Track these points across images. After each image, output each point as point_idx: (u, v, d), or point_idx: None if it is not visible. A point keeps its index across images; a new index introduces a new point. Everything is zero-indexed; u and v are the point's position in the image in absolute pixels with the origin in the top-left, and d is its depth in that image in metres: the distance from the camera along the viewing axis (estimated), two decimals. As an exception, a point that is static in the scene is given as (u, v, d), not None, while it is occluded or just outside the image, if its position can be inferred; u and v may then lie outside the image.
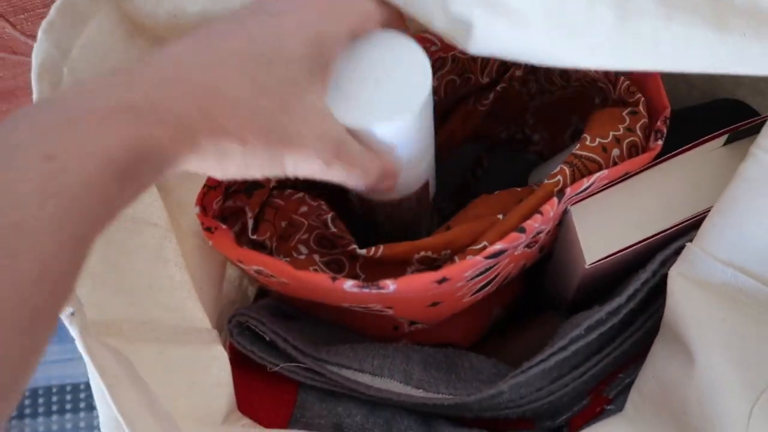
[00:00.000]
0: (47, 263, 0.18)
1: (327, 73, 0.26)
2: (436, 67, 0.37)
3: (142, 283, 0.29)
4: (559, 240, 0.35)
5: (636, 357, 0.33)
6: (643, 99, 0.32)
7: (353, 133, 0.27)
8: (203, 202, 0.30)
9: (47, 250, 0.18)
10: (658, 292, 0.31)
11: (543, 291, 0.43)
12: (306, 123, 0.24)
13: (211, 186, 0.31)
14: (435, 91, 0.38)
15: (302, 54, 0.24)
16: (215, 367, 0.30)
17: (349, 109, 0.27)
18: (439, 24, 0.26)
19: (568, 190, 0.29)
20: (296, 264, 0.29)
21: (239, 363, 0.34)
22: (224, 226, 0.30)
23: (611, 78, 0.33)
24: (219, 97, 0.22)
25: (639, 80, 0.33)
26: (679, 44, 0.24)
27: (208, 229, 0.29)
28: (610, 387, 0.34)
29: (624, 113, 0.32)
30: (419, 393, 0.33)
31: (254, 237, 0.31)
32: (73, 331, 0.24)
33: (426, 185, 0.35)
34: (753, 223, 0.26)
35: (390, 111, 0.27)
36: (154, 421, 0.24)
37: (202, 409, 0.28)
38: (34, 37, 0.43)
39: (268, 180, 0.33)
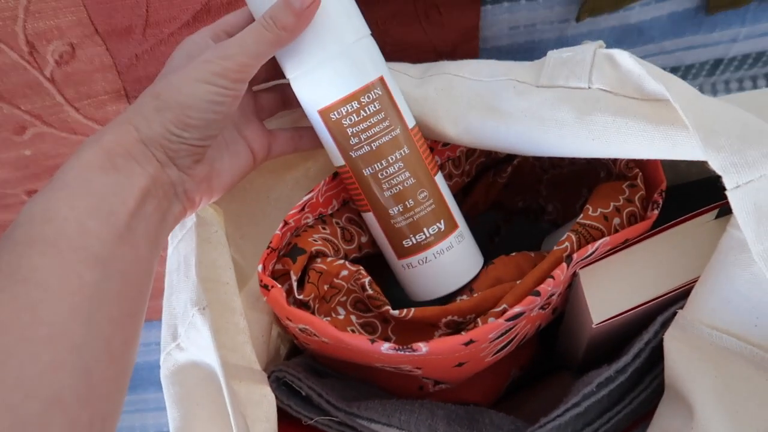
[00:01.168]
0: None
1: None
2: (469, 154, 0.45)
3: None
4: (569, 302, 0.40)
5: (645, 416, 0.37)
6: (640, 174, 0.38)
7: None
8: (264, 261, 0.36)
9: None
10: (661, 352, 0.35)
11: (556, 352, 0.47)
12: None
13: (274, 248, 0.37)
14: (468, 173, 0.46)
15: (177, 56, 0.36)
16: (264, 403, 0.35)
17: None
18: (451, 132, 0.37)
19: (575, 256, 0.34)
20: (336, 324, 0.34)
21: (277, 417, 0.38)
22: (279, 286, 0.35)
23: (613, 157, 0.39)
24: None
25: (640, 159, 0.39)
26: (623, 133, 0.31)
27: (265, 287, 0.35)
28: (622, 444, 0.38)
29: (624, 186, 0.38)
30: (443, 446, 0.37)
31: (300, 297, 0.37)
32: (204, 322, 0.33)
33: (388, 95, 0.38)
34: (728, 290, 0.31)
35: None
36: (243, 422, 0.32)
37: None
38: (94, 119, 0.50)
39: (309, 245, 0.38)
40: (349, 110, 0.36)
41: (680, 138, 0.30)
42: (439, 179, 0.40)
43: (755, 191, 0.27)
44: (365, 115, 0.36)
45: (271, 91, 0.41)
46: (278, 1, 0.34)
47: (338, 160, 0.39)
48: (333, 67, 0.36)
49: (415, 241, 0.39)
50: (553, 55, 0.35)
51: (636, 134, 0.31)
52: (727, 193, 0.28)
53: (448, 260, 0.40)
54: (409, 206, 0.38)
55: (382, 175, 0.38)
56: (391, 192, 0.38)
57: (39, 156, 0.53)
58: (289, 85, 0.38)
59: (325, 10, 0.35)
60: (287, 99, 0.42)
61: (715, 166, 0.27)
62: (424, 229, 0.39)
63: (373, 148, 0.37)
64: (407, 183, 0.38)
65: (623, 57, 0.32)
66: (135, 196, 0.31)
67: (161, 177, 0.33)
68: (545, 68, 0.34)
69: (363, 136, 0.37)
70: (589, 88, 0.33)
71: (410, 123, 0.38)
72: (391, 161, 0.37)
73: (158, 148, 0.32)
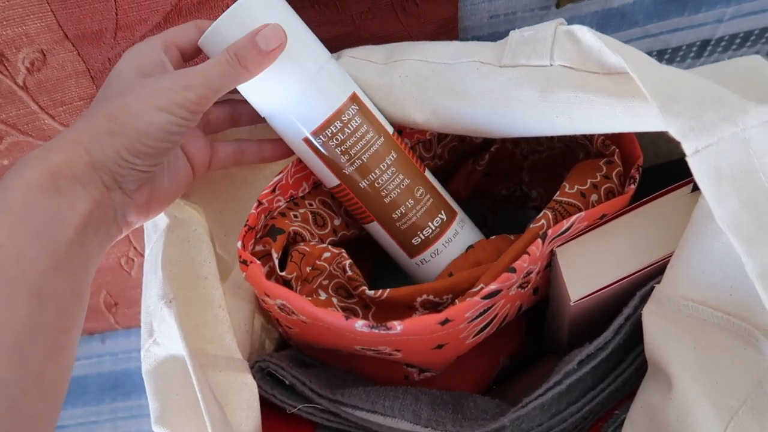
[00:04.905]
0: None
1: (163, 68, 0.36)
2: (441, 138, 0.46)
3: (191, 323, 0.37)
4: (550, 283, 0.41)
5: (630, 395, 0.38)
6: (617, 150, 0.39)
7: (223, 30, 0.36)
8: (243, 239, 0.38)
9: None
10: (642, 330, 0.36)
11: (544, 338, 0.48)
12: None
13: (251, 226, 0.39)
14: (440, 156, 0.47)
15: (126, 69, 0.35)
16: (246, 391, 0.36)
17: None
18: (418, 118, 0.38)
19: (550, 232, 0.35)
20: (317, 303, 0.35)
21: (261, 406, 0.39)
22: (258, 262, 0.37)
23: (588, 135, 0.40)
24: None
25: (615, 136, 0.40)
26: (585, 108, 0.32)
27: (244, 262, 0.37)
28: (608, 423, 0.38)
29: (601, 163, 0.39)
30: (427, 431, 0.38)
31: (282, 273, 0.38)
32: (170, 314, 0.34)
33: (365, 108, 0.40)
34: (701, 260, 0.32)
35: None
36: (217, 407, 0.33)
37: (233, 428, 0.34)
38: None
39: (287, 225, 0.40)
40: (333, 131, 0.38)
41: (641, 109, 0.31)
42: (428, 174, 0.42)
43: (714, 155, 0.28)
44: (349, 132, 0.38)
45: (221, 106, 0.42)
46: (244, 39, 0.35)
47: (332, 181, 0.41)
48: (303, 100, 0.38)
49: (423, 237, 0.42)
50: (515, 34, 0.36)
51: (598, 108, 0.32)
52: (688, 159, 0.29)
53: (457, 246, 0.42)
54: (410, 206, 0.41)
55: (378, 183, 0.40)
56: (390, 197, 0.40)
57: (17, 165, 0.54)
58: (240, 101, 0.40)
59: (285, 47, 0.36)
60: (237, 116, 0.43)
61: (674, 132, 0.28)
62: (429, 224, 0.41)
63: (364, 160, 0.39)
64: (403, 185, 0.40)
65: (583, 32, 0.33)
66: (76, 222, 0.31)
67: (105, 201, 0.33)
68: (507, 48, 0.36)
69: (352, 152, 0.39)
70: (551, 65, 0.34)
71: (390, 129, 0.40)
72: (383, 168, 0.40)
73: (107, 172, 0.32)
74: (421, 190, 0.41)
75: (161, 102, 0.32)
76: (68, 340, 0.30)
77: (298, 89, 0.37)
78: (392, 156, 0.40)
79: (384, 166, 0.39)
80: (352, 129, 0.38)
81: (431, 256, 0.42)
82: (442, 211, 0.42)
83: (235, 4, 0.35)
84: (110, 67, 0.47)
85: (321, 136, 0.38)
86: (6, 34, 0.44)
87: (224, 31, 0.36)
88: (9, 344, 0.27)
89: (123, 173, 0.33)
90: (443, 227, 0.42)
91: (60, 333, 0.29)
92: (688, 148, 0.28)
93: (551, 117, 0.33)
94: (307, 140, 0.39)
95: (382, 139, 0.39)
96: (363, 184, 0.40)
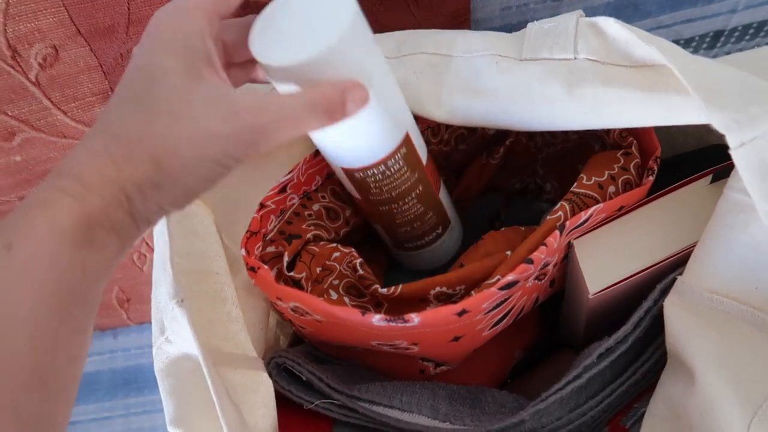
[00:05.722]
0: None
1: (212, 63, 0.30)
2: (449, 124, 0.45)
3: (203, 319, 0.36)
4: (567, 276, 0.40)
5: (649, 388, 0.37)
6: (635, 142, 0.38)
7: (302, 71, 0.30)
8: (246, 245, 0.37)
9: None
10: (662, 323, 0.35)
11: (559, 331, 0.47)
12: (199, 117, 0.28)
13: (254, 231, 0.38)
14: (446, 142, 0.47)
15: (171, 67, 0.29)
16: (262, 390, 0.36)
17: (280, 50, 0.30)
18: (437, 114, 0.37)
19: (568, 224, 0.34)
20: (329, 302, 0.35)
21: (277, 403, 0.39)
22: (266, 267, 0.36)
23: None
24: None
25: (633, 127, 0.39)
26: (615, 103, 0.31)
27: (251, 269, 0.36)
28: (627, 417, 0.38)
29: (618, 154, 0.38)
30: (446, 426, 0.37)
31: (291, 274, 0.38)
32: (182, 314, 0.33)
33: (412, 150, 0.38)
34: (726, 253, 0.31)
35: (317, 38, 0.29)
36: (232, 406, 0.32)
37: (250, 427, 0.33)
38: (83, 122, 0.51)
39: (304, 231, 0.40)
40: (375, 172, 0.37)
41: (675, 103, 0.30)
42: (442, 192, 0.43)
43: (760, 148, 0.27)
44: (389, 174, 0.38)
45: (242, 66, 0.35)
46: (336, 94, 0.30)
47: (354, 193, 0.41)
48: (360, 135, 0.35)
49: (415, 244, 0.44)
50: (533, 26, 0.35)
51: (629, 104, 0.31)
52: (731, 152, 0.28)
53: (438, 247, 0.45)
54: (416, 226, 0.42)
55: (396, 210, 0.41)
56: (402, 220, 0.41)
57: (30, 161, 0.53)
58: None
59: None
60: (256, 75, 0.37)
61: (718, 125, 0.27)
62: (426, 237, 0.43)
63: (393, 195, 0.39)
64: (417, 212, 0.41)
65: (609, 24, 0.32)
66: (100, 276, 0.28)
67: (135, 238, 0.30)
68: (527, 40, 0.35)
69: (385, 188, 0.39)
70: (575, 58, 0.33)
71: (425, 158, 0.40)
72: (407, 201, 0.40)
73: (144, 221, 0.29)
74: (430, 214, 0.42)
75: (218, 155, 0.28)
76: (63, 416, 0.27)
77: (355, 124, 0.33)
78: (418, 190, 0.40)
79: (408, 199, 0.40)
80: (392, 171, 0.38)
81: (413, 251, 0.45)
82: (440, 227, 0.43)
83: (331, 41, 0.29)
84: (122, 62, 0.47)
85: (360, 173, 0.38)
86: (18, 30, 0.44)
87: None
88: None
89: (158, 219, 0.30)
90: (435, 238, 0.44)
91: (62, 409, 0.26)
92: (732, 140, 0.27)
93: (579, 114, 0.32)
94: (346, 170, 0.38)
95: (416, 175, 0.39)
96: (383, 208, 0.40)
